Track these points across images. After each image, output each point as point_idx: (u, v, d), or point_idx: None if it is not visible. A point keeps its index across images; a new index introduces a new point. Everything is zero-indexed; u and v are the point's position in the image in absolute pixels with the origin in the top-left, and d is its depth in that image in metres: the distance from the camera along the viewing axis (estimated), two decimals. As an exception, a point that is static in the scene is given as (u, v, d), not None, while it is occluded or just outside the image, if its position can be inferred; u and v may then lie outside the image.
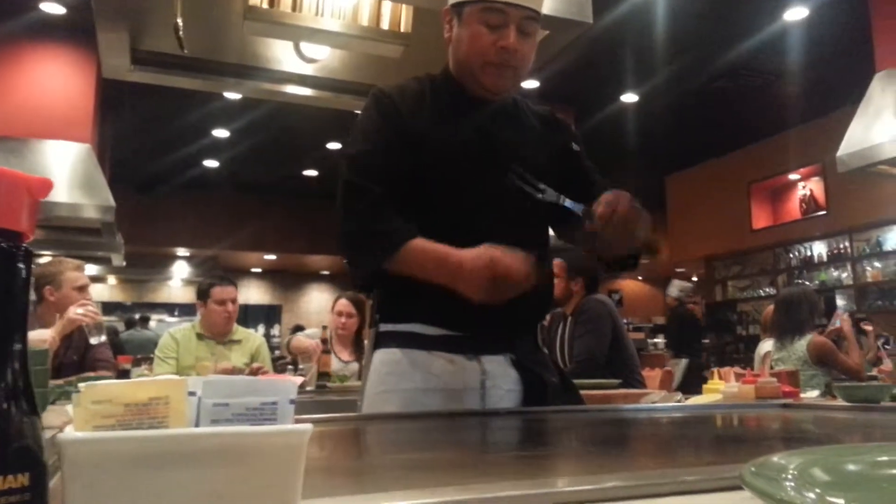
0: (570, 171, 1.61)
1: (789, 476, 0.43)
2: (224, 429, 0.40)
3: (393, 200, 1.42)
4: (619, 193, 1.32)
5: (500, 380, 1.49)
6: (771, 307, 5.14)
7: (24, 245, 0.39)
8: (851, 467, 0.48)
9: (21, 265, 0.39)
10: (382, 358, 1.49)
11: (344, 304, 3.99)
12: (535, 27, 1.49)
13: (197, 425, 0.41)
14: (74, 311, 2.90)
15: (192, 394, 0.41)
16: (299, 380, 0.43)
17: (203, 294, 3.67)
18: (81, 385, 0.39)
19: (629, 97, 7.14)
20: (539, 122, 1.65)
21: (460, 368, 1.46)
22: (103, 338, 2.86)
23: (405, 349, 1.46)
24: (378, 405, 1.45)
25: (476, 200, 1.47)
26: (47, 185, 0.39)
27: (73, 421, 0.40)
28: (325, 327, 3.85)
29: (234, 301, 3.69)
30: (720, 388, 2.01)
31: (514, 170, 1.41)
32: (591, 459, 0.88)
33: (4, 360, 0.35)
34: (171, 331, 3.78)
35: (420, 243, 1.36)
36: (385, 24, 2.83)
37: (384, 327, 1.52)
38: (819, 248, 8.78)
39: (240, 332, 3.82)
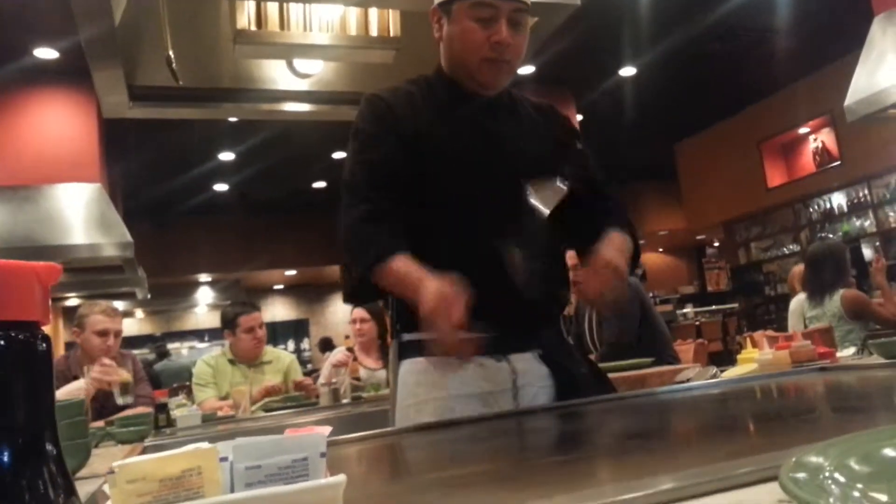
0: (572, 166, 1.58)
1: (828, 476, 0.42)
2: (259, 492, 0.40)
3: (389, 205, 1.40)
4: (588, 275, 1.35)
5: (530, 377, 1.48)
6: (795, 268, 5.09)
7: (42, 332, 0.39)
8: (891, 452, 0.46)
9: (42, 351, 0.39)
10: (409, 368, 1.48)
11: (357, 311, 4.03)
12: (526, 18, 1.47)
13: (232, 490, 0.41)
14: (96, 371, 2.81)
15: (223, 459, 0.41)
16: (328, 429, 0.42)
17: (230, 324, 3.70)
18: (115, 464, 0.39)
19: (627, 70, 7.06)
20: (538, 113, 1.63)
21: (490, 371, 1.45)
22: (129, 399, 2.80)
23: (431, 357, 1.44)
24: (411, 417, 1.44)
25: (479, 196, 1.44)
26: (55, 271, 0.39)
27: (111, 499, 0.40)
28: (347, 337, 3.88)
29: (261, 326, 3.73)
30: (754, 356, 1.98)
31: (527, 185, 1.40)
32: (632, 457, 0.87)
33: (39, 460, 0.35)
34: (204, 358, 3.82)
35: (397, 264, 1.32)
36: (374, 32, 2.82)
37: (406, 337, 1.50)
38: (838, 200, 8.65)
39: (269, 352, 3.86)
